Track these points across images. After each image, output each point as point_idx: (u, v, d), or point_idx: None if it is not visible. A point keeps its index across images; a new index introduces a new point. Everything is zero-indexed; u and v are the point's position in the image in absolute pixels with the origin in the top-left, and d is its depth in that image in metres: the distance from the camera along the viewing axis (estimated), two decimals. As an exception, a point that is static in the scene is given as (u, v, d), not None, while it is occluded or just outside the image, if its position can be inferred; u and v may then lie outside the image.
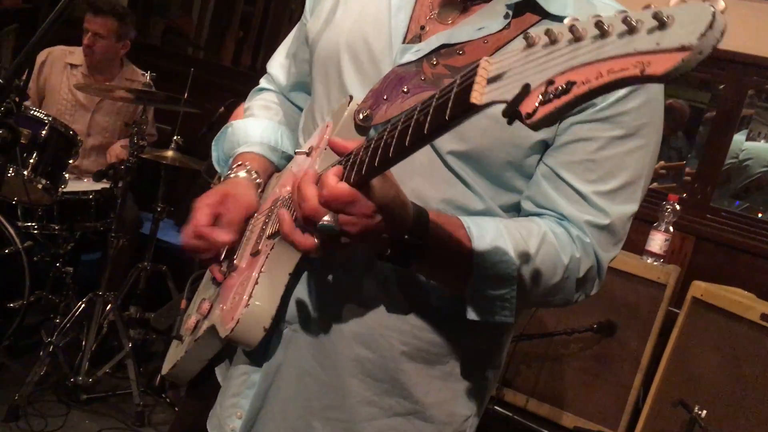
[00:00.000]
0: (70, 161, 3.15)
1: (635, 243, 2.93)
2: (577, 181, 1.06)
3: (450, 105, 0.76)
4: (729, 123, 3.21)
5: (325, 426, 1.13)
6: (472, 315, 1.05)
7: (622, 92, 1.03)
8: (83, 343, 2.96)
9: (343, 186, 0.90)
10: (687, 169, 3.40)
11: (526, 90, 0.64)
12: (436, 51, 1.08)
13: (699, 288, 2.66)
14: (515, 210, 1.12)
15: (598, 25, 0.60)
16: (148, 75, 3.29)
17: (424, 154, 1.06)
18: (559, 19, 1.05)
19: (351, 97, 1.08)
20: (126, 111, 3.82)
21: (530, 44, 0.66)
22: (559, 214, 1.08)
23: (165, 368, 1.33)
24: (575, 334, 2.82)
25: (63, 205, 3.17)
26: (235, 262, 1.19)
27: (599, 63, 0.60)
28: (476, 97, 0.71)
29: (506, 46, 0.87)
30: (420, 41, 1.11)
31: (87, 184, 3.43)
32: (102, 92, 3.48)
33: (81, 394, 2.92)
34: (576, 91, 0.61)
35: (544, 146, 1.07)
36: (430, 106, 0.80)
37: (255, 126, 1.34)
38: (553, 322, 2.89)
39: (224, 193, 1.20)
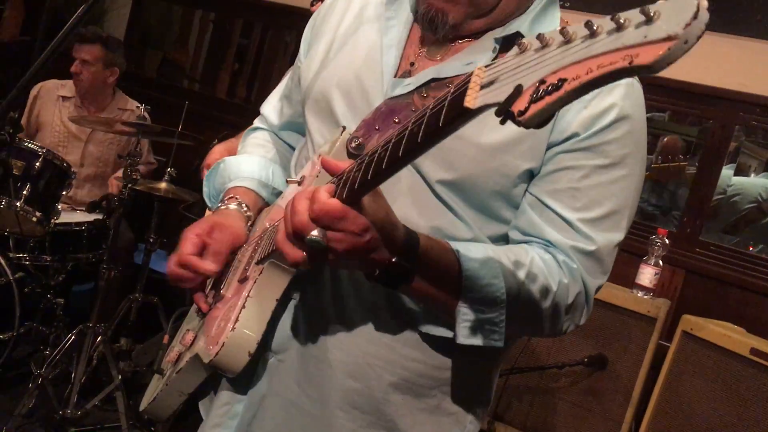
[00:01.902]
0: (63, 192, 3.16)
1: (625, 276, 2.94)
2: (562, 208, 1.08)
3: (444, 110, 0.77)
4: (717, 158, 3.25)
5: None
6: (461, 339, 1.05)
7: (605, 122, 1.05)
8: (72, 375, 2.93)
9: (334, 201, 0.91)
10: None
11: (518, 90, 0.65)
12: (426, 84, 1.11)
13: (689, 322, 2.67)
14: (503, 240, 1.14)
15: (588, 25, 0.63)
16: (142, 107, 3.32)
17: (414, 182, 1.08)
18: None
19: (344, 128, 1.09)
20: (119, 141, 3.85)
21: (522, 50, 0.68)
22: (546, 240, 1.09)
23: (143, 403, 1.31)
24: (566, 368, 2.81)
25: (55, 236, 3.17)
26: (221, 292, 1.19)
27: (589, 60, 0.62)
28: (470, 101, 0.72)
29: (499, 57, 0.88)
30: (410, 76, 1.14)
31: (80, 216, 3.44)
32: (98, 124, 3.51)
33: (70, 427, 2.89)
34: (567, 87, 0.63)
35: (531, 176, 1.09)
36: (425, 115, 0.81)
37: (247, 162, 1.36)
38: (544, 355, 2.88)
39: (213, 223, 1.21)
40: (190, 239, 1.17)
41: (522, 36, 1.07)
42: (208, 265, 1.17)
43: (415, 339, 1.12)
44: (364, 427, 1.13)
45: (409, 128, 0.84)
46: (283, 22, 4.70)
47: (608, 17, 0.63)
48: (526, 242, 1.11)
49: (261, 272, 1.09)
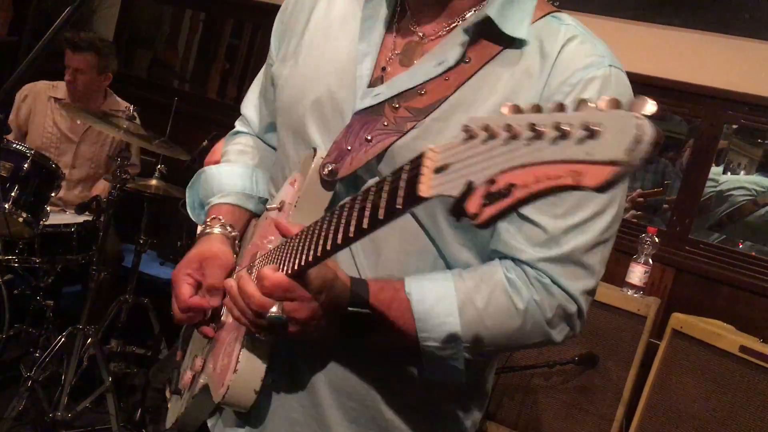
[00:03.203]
0: (52, 194, 3.14)
1: (615, 275, 2.95)
2: (541, 216, 1.04)
3: (397, 196, 0.76)
4: (706, 156, 3.26)
5: None
6: (426, 374, 1.08)
7: None
8: (63, 377, 2.92)
9: (281, 275, 0.95)
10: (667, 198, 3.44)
11: (470, 188, 0.65)
12: (398, 95, 1.07)
13: (678, 320, 2.68)
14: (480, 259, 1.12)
15: (532, 126, 0.60)
16: (132, 108, 3.30)
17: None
18: (517, 42, 1.05)
19: (315, 150, 1.08)
20: (111, 142, 3.83)
21: (470, 137, 0.66)
22: (517, 260, 1.06)
23: (169, 421, 1.32)
24: (557, 366, 2.82)
25: (44, 238, 3.15)
26: (222, 318, 1.20)
27: (537, 166, 0.60)
28: (424, 190, 0.71)
29: (450, 139, 0.77)
30: (382, 83, 1.10)
31: (69, 217, 3.42)
32: (89, 117, 3.46)
33: (60, 429, 2.87)
34: (516, 194, 0.61)
35: None
36: (374, 203, 0.80)
37: (229, 174, 1.32)
38: (534, 354, 2.89)
39: (200, 258, 1.19)
40: (183, 281, 1.18)
41: (492, 21, 1.04)
42: (211, 302, 1.18)
43: (401, 356, 1.12)
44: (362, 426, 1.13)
45: (357, 207, 0.83)
46: (273, 23, 4.67)
47: (550, 119, 0.59)
48: (500, 258, 1.09)
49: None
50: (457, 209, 0.66)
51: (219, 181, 1.31)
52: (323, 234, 0.89)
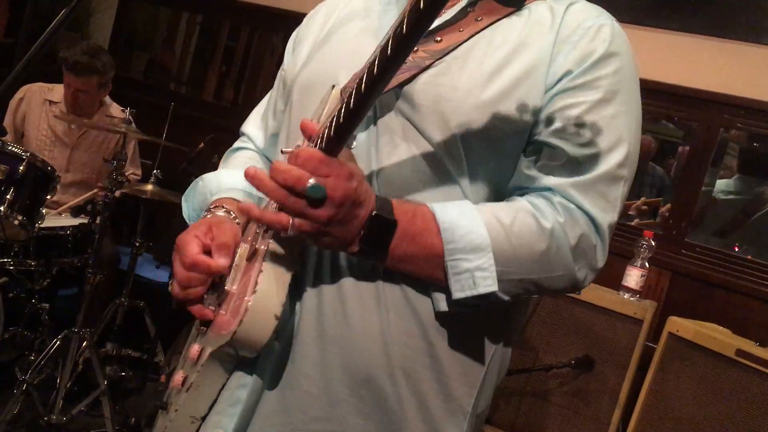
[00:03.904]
0: (48, 197, 3.13)
1: (612, 278, 2.95)
2: (567, 145, 1.05)
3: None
4: (702, 160, 3.27)
5: None
6: (455, 293, 1.02)
7: (595, 57, 1.07)
8: (58, 380, 2.91)
9: (315, 149, 0.93)
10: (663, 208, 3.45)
11: None
12: None
13: (675, 324, 2.68)
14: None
15: None
16: (127, 111, 3.30)
17: (417, 145, 1.06)
18: (524, 8, 1.12)
19: (333, 86, 1.08)
20: (106, 147, 3.82)
21: None
22: (542, 188, 1.07)
23: None
24: (553, 370, 2.82)
25: (39, 240, 3.14)
26: (226, 289, 1.10)
27: None
28: None
29: None
30: None
31: (64, 220, 3.41)
32: (81, 124, 3.48)
33: (55, 432, 2.88)
34: None
35: (531, 122, 1.07)
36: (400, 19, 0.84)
37: (228, 175, 1.31)
38: (531, 357, 2.89)
39: (208, 223, 1.14)
40: (191, 241, 1.10)
41: None
42: (221, 261, 1.09)
43: (410, 313, 1.08)
44: (370, 406, 1.08)
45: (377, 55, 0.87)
46: (270, 25, 4.68)
47: None
48: (521, 195, 1.09)
49: (273, 236, 1.03)
50: None
51: (218, 181, 1.29)
52: (344, 106, 0.90)
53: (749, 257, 3.18)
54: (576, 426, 2.82)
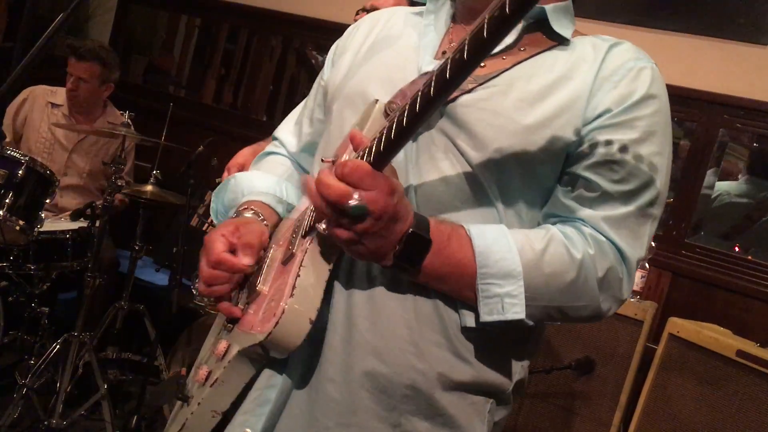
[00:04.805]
0: (47, 200, 3.13)
1: (612, 280, 2.94)
2: (602, 180, 1.09)
3: (485, 26, 0.83)
4: (702, 161, 3.27)
5: None
6: (483, 316, 1.05)
7: (635, 98, 1.10)
8: (58, 384, 2.91)
9: (363, 161, 0.95)
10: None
11: None
12: None
13: (675, 325, 2.67)
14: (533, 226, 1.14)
15: None
16: (126, 114, 3.30)
17: (453, 162, 1.09)
18: (567, 42, 1.15)
19: (377, 101, 1.09)
20: (105, 152, 3.82)
21: None
22: (575, 218, 1.10)
23: None
24: (554, 371, 2.81)
25: (39, 244, 3.14)
26: (257, 289, 1.13)
27: None
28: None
29: None
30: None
31: (64, 224, 3.41)
32: (81, 130, 3.48)
33: (55, 437, 2.87)
34: None
35: (566, 154, 1.10)
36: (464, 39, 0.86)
37: (261, 178, 1.34)
38: (532, 359, 2.88)
39: (236, 224, 1.18)
40: (218, 240, 1.14)
41: (546, 17, 1.14)
42: (245, 260, 1.13)
43: (439, 324, 1.10)
44: (388, 411, 1.09)
45: (436, 75, 0.89)
46: (269, 28, 4.68)
47: None
48: (552, 223, 1.12)
49: (311, 242, 1.05)
50: None
51: (251, 183, 1.33)
52: (395, 121, 0.93)
53: (750, 257, 3.18)
54: (577, 427, 2.82)
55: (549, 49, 1.15)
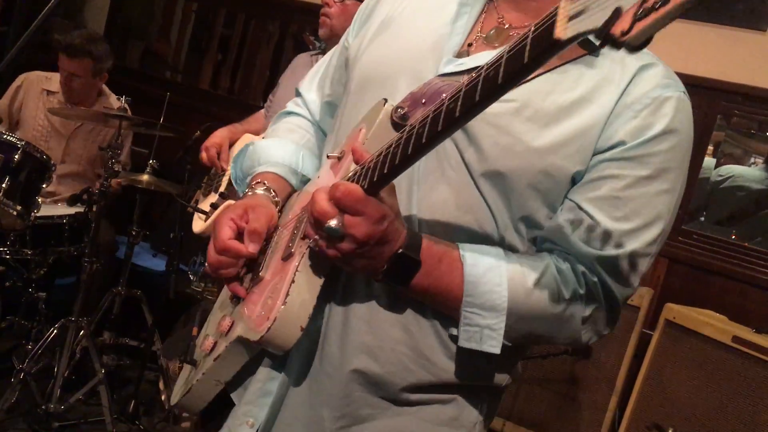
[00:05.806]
0: (44, 186, 3.12)
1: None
2: (601, 216, 1.06)
3: (528, 47, 0.74)
4: (699, 147, 3.26)
5: None
6: (461, 342, 1.07)
7: (652, 133, 1.05)
8: (55, 369, 2.91)
9: (357, 186, 0.95)
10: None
11: (617, 13, 0.62)
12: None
13: (671, 311, 2.68)
14: (531, 244, 1.12)
15: None
16: (123, 99, 3.28)
17: (459, 174, 1.07)
18: (598, 52, 1.07)
19: (385, 100, 1.08)
20: (102, 139, 3.81)
21: None
22: (571, 251, 1.08)
23: (175, 397, 1.28)
24: (550, 357, 2.83)
25: (36, 229, 3.13)
26: (260, 274, 1.17)
27: None
28: (560, 32, 0.69)
29: None
30: (466, 56, 1.13)
31: (61, 209, 3.40)
32: (77, 116, 3.46)
33: (53, 421, 2.87)
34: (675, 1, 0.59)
35: (573, 181, 1.08)
36: (497, 61, 0.80)
37: (277, 146, 1.34)
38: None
39: (245, 206, 1.19)
40: (226, 224, 1.16)
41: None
42: (249, 248, 1.15)
43: (432, 329, 1.11)
44: (376, 407, 1.13)
45: (462, 92, 0.84)
46: (266, 13, 4.66)
47: None
48: (549, 250, 1.10)
49: (308, 246, 1.07)
50: (601, 34, 0.65)
51: (267, 152, 1.33)
52: (403, 140, 0.91)
53: (746, 244, 3.18)
54: (573, 412, 2.83)
55: (576, 59, 1.07)
